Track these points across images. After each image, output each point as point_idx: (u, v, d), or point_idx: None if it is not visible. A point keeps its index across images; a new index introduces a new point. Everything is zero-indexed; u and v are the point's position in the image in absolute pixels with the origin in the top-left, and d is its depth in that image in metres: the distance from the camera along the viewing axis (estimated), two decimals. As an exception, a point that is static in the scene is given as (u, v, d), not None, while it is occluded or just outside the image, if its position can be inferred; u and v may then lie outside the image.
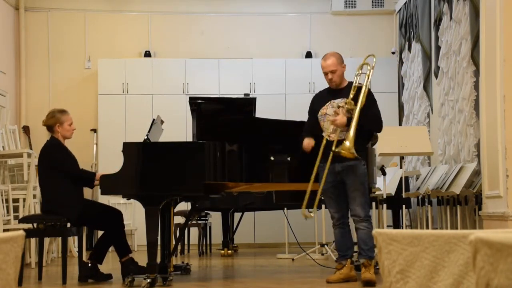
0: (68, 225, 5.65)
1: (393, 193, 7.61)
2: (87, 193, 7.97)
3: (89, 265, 5.53)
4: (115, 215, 5.65)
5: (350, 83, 5.34)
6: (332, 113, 5.22)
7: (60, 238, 6.28)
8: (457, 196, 6.82)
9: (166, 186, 5.20)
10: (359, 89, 5.20)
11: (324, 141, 5.21)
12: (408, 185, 8.40)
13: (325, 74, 5.36)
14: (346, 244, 5.34)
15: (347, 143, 4.98)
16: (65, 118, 5.66)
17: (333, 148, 5.06)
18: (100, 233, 5.87)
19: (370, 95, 5.27)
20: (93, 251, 5.72)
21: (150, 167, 5.19)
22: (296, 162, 5.74)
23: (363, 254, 5.18)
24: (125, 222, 5.80)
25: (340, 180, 5.25)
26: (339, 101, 5.24)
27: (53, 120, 5.65)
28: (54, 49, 10.18)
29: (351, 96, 5.18)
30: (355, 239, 5.52)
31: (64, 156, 5.57)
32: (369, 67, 5.27)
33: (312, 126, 5.37)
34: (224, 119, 6.16)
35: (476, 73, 6.98)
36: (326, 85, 5.54)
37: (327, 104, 5.30)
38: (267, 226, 9.69)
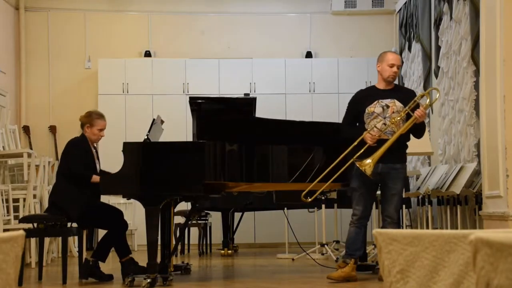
0: (69, 224, 5.66)
1: (393, 193, 7.60)
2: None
3: (90, 263, 5.53)
4: (118, 214, 5.66)
5: (397, 86, 5.48)
6: (380, 112, 5.25)
7: (60, 238, 6.29)
8: (457, 196, 6.81)
9: (166, 186, 5.19)
10: (409, 115, 5.25)
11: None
12: (408, 185, 8.39)
13: (391, 66, 5.37)
14: (358, 244, 5.35)
15: (368, 161, 5.06)
16: (98, 122, 5.70)
17: (355, 158, 5.17)
18: (101, 233, 5.87)
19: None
20: (96, 249, 5.73)
21: (150, 167, 5.19)
22: (297, 161, 5.74)
23: None
24: (125, 222, 5.80)
25: (379, 181, 5.27)
26: (388, 101, 5.28)
27: (87, 120, 5.71)
28: (54, 49, 10.18)
29: (399, 118, 5.24)
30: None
31: (75, 155, 5.58)
32: (428, 101, 5.38)
33: (354, 122, 5.39)
34: (224, 119, 6.16)
35: (476, 73, 6.98)
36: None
37: (375, 102, 5.31)
38: (267, 226, 9.69)
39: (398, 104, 5.27)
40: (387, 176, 5.25)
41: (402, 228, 7.47)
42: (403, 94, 5.36)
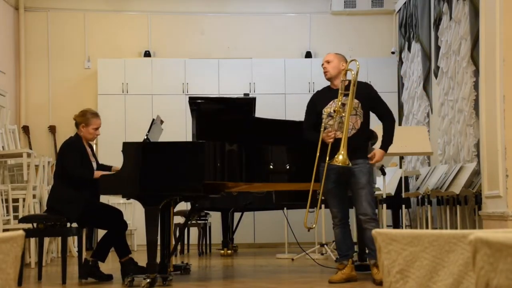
0: (68, 225, 5.66)
1: (392, 193, 7.61)
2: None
3: (90, 263, 5.53)
4: (117, 215, 5.66)
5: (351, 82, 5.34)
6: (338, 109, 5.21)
7: (59, 238, 6.29)
8: (456, 196, 6.82)
9: (166, 186, 5.19)
10: (346, 95, 5.23)
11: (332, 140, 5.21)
12: (408, 185, 8.40)
13: (322, 65, 5.42)
14: (347, 244, 5.36)
15: (341, 156, 5.03)
16: (93, 121, 5.68)
17: (327, 159, 5.13)
18: (100, 233, 5.86)
19: (374, 95, 5.36)
20: (96, 249, 5.72)
21: (150, 167, 5.18)
22: (296, 162, 5.74)
23: (373, 255, 5.16)
24: (124, 222, 5.80)
25: (345, 180, 5.25)
26: (344, 99, 5.24)
27: (82, 119, 5.69)
28: (54, 49, 10.18)
29: (339, 102, 5.20)
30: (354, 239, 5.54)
31: (71, 156, 5.56)
32: (353, 73, 5.25)
33: (313, 125, 5.37)
34: (224, 119, 6.16)
35: (476, 73, 6.98)
36: (325, 85, 5.54)
37: (331, 103, 5.29)
38: (267, 226, 9.69)
39: (354, 100, 5.22)
40: (350, 173, 5.20)
41: (402, 228, 7.47)
42: (358, 90, 5.25)
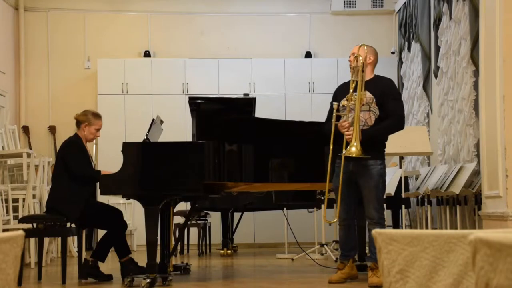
0: (68, 225, 5.66)
1: (392, 193, 7.60)
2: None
3: (90, 263, 5.54)
4: (117, 214, 5.66)
5: (376, 77, 5.27)
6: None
7: (59, 238, 6.29)
8: (456, 196, 6.82)
9: (166, 186, 5.20)
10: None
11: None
12: (408, 185, 8.39)
13: (349, 57, 5.28)
14: (350, 244, 5.31)
15: (353, 148, 4.94)
16: (95, 121, 5.73)
17: (343, 150, 5.04)
18: (100, 233, 5.87)
19: (388, 91, 5.22)
20: (95, 250, 5.73)
21: (150, 167, 5.19)
22: (296, 162, 5.74)
23: (372, 257, 5.12)
24: (124, 222, 5.80)
25: (353, 180, 5.17)
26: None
27: (84, 118, 5.72)
28: (54, 49, 10.18)
29: (350, 91, 5.13)
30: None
31: (76, 156, 5.57)
32: (360, 58, 5.16)
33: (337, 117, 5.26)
34: (223, 119, 6.16)
35: (476, 73, 6.98)
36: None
37: (348, 95, 5.19)
38: (266, 226, 9.69)
39: (369, 95, 5.11)
40: (359, 175, 5.11)
41: (402, 228, 7.47)
42: (379, 84, 5.19)
